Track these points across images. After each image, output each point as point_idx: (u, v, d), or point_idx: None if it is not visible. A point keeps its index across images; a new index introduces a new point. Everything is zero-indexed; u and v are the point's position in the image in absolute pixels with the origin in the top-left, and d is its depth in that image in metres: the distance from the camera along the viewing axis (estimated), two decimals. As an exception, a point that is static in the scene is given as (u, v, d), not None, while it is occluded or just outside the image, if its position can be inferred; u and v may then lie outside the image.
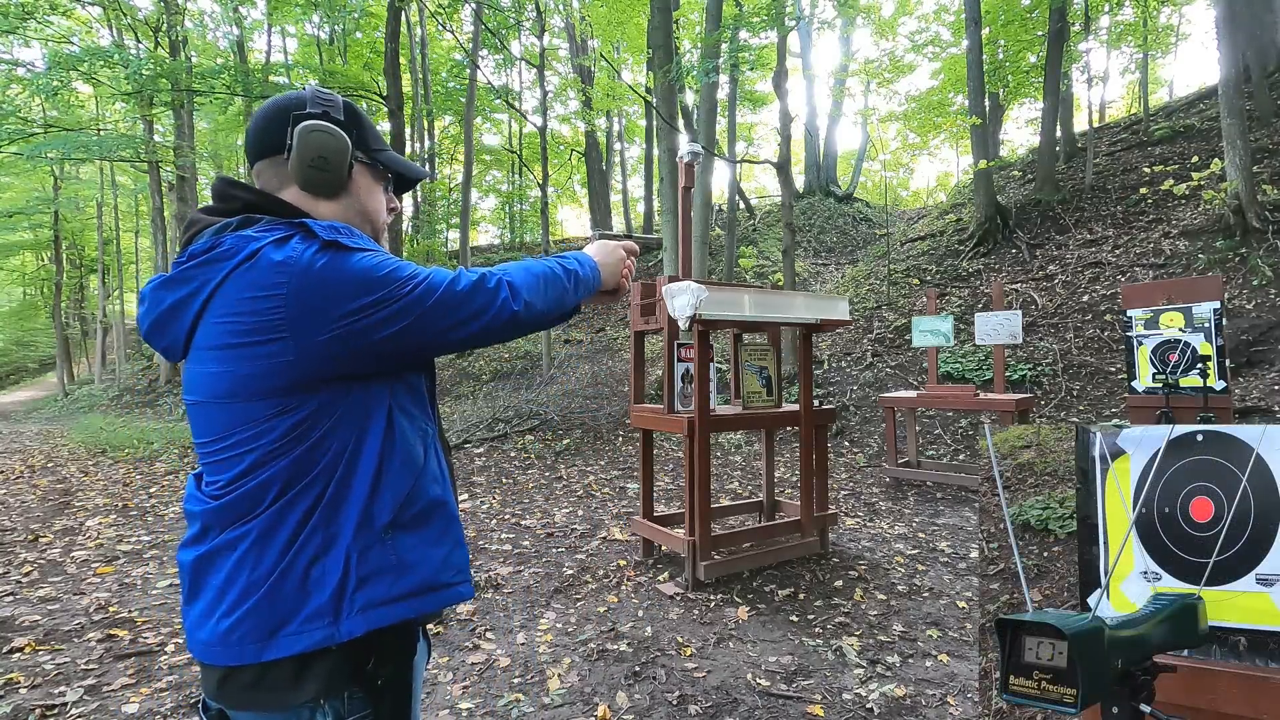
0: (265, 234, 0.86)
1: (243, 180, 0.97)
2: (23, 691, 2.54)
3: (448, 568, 0.96)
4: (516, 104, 18.64)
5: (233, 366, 0.84)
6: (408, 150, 15.28)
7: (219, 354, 0.84)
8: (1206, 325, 1.65)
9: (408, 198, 17.55)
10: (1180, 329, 1.69)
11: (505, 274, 0.98)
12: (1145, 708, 0.85)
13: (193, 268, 0.86)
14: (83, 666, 2.75)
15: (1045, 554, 1.63)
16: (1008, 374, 7.28)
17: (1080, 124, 13.69)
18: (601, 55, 15.51)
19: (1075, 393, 7.00)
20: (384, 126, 12.89)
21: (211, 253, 0.86)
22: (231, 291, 0.83)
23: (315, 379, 0.85)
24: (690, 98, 12.71)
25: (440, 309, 0.89)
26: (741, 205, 17.39)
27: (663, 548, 4.04)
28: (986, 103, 12.21)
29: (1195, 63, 44.47)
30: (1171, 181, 9.17)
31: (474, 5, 12.48)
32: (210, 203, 0.96)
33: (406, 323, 0.87)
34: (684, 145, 4.29)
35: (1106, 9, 12.68)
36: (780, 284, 10.84)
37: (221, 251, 0.85)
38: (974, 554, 3.94)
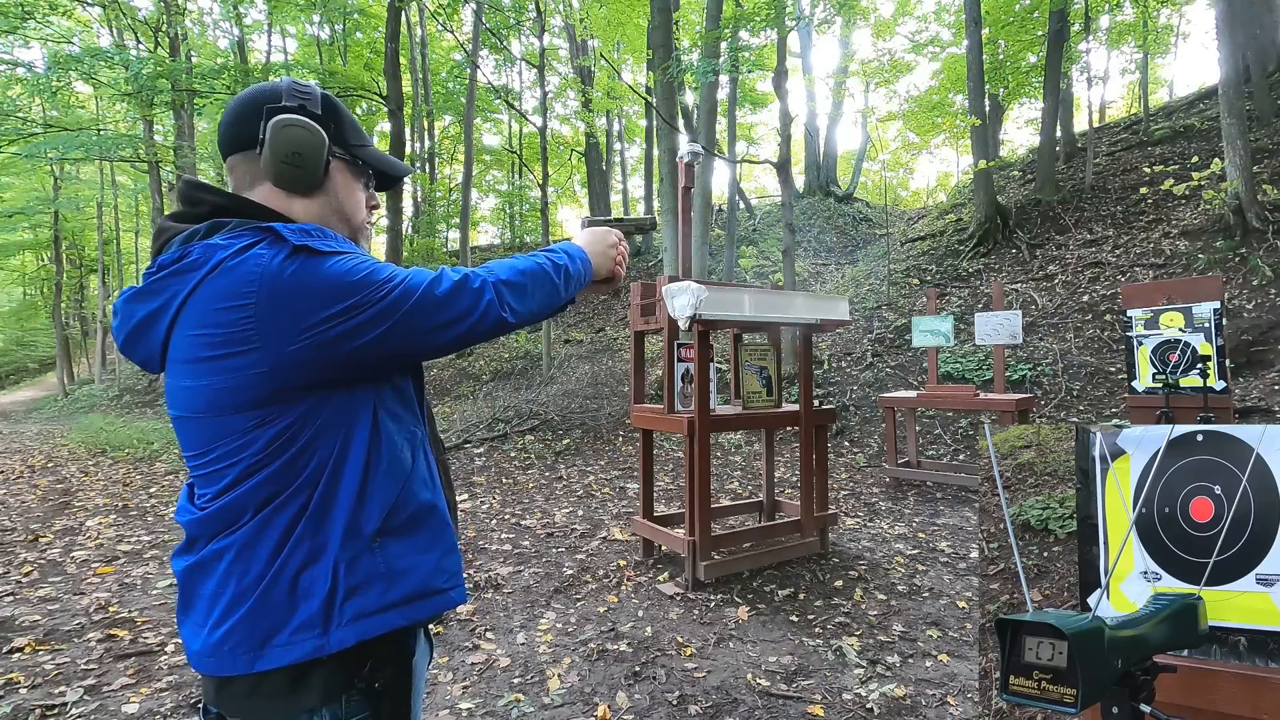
0: (232, 241, 0.83)
1: (210, 183, 0.94)
2: (23, 691, 2.54)
3: (440, 573, 0.94)
4: (516, 104, 18.65)
5: (208, 380, 0.82)
6: (407, 150, 15.27)
7: (193, 367, 0.82)
8: (1206, 325, 1.65)
9: (408, 198, 17.58)
10: (1180, 329, 1.69)
11: (490, 274, 0.94)
12: (1145, 708, 0.85)
13: (161, 279, 0.84)
14: (83, 666, 2.75)
15: (1045, 554, 1.63)
16: (1008, 374, 7.28)
17: (1080, 124, 13.69)
18: (601, 55, 15.50)
19: (1075, 393, 7.00)
20: (384, 127, 12.90)
21: (179, 263, 0.83)
22: (201, 303, 0.81)
23: (293, 389, 0.83)
24: (690, 98, 12.73)
25: (420, 313, 0.86)
26: (741, 205, 17.39)
27: (663, 548, 4.04)
28: (986, 103, 12.21)
29: (1195, 63, 44.45)
30: (1171, 181, 9.17)
31: (474, 5, 12.48)
32: (179, 208, 0.92)
33: (384, 328, 0.84)
34: (684, 145, 4.29)
35: (1106, 9, 12.68)
36: (780, 284, 10.84)
37: (189, 262, 0.83)
38: (974, 554, 3.94)
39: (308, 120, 0.92)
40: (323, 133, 0.93)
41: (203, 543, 0.86)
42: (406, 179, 1.13)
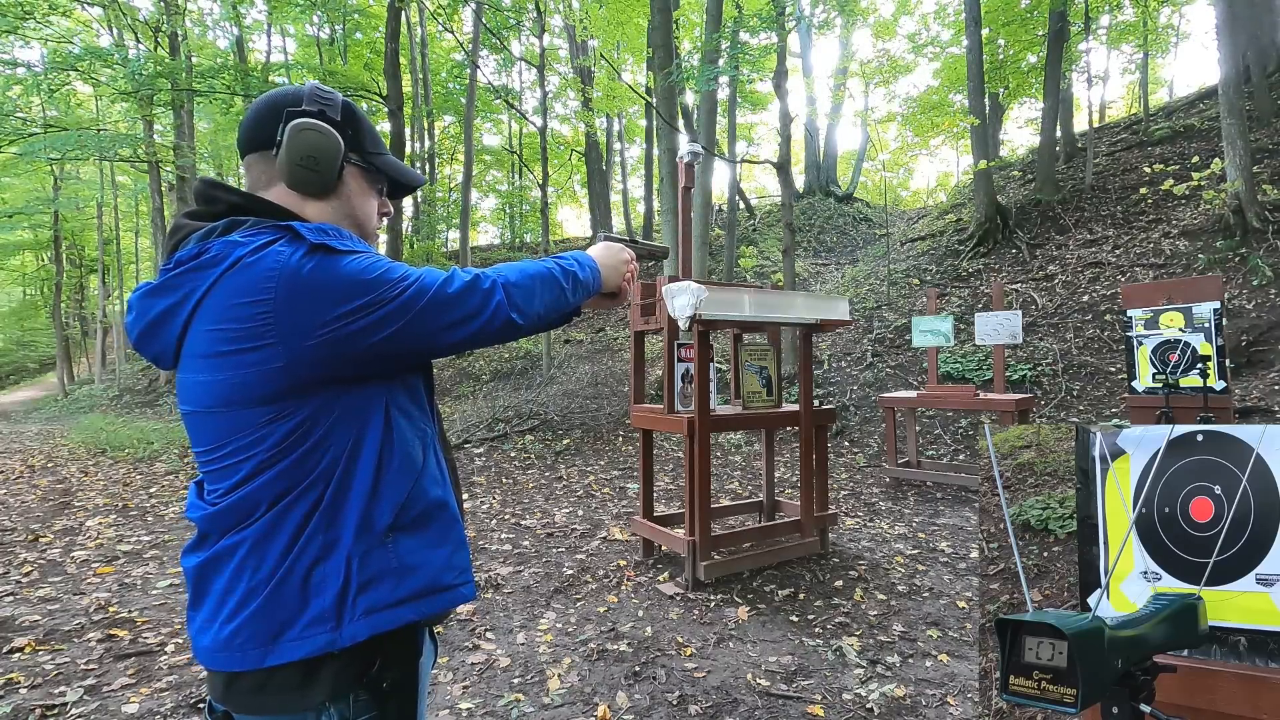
0: (252, 238, 0.84)
1: (224, 181, 0.95)
2: (23, 691, 2.54)
3: (450, 569, 0.95)
4: (516, 104, 18.65)
5: (223, 374, 0.83)
6: (407, 150, 15.27)
7: (209, 362, 0.83)
8: (1206, 325, 1.65)
9: (407, 198, 17.57)
10: (1180, 329, 1.69)
11: (500, 275, 0.96)
12: (1145, 708, 0.85)
13: (179, 275, 0.85)
14: (83, 666, 2.75)
15: (1045, 554, 1.63)
16: (1008, 374, 7.28)
17: (1080, 124, 13.69)
18: (601, 55, 15.51)
19: (1075, 393, 7.00)
20: (384, 127, 12.91)
21: (198, 259, 0.84)
22: (219, 298, 0.82)
23: (308, 384, 0.84)
24: (690, 98, 12.74)
25: (432, 311, 0.87)
26: (741, 205, 17.39)
27: (663, 548, 4.04)
28: (986, 103, 12.22)
29: (1195, 63, 44.48)
30: (1171, 181, 9.18)
31: (474, 5, 12.48)
32: (194, 206, 0.94)
33: (397, 326, 0.85)
34: (684, 145, 4.29)
35: (1106, 9, 12.68)
36: (780, 284, 10.84)
37: (208, 258, 0.84)
38: (974, 554, 3.94)
39: (325, 125, 0.93)
40: (339, 138, 0.95)
41: (215, 538, 0.87)
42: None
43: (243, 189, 0.96)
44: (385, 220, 1.08)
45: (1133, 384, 1.75)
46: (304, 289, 0.81)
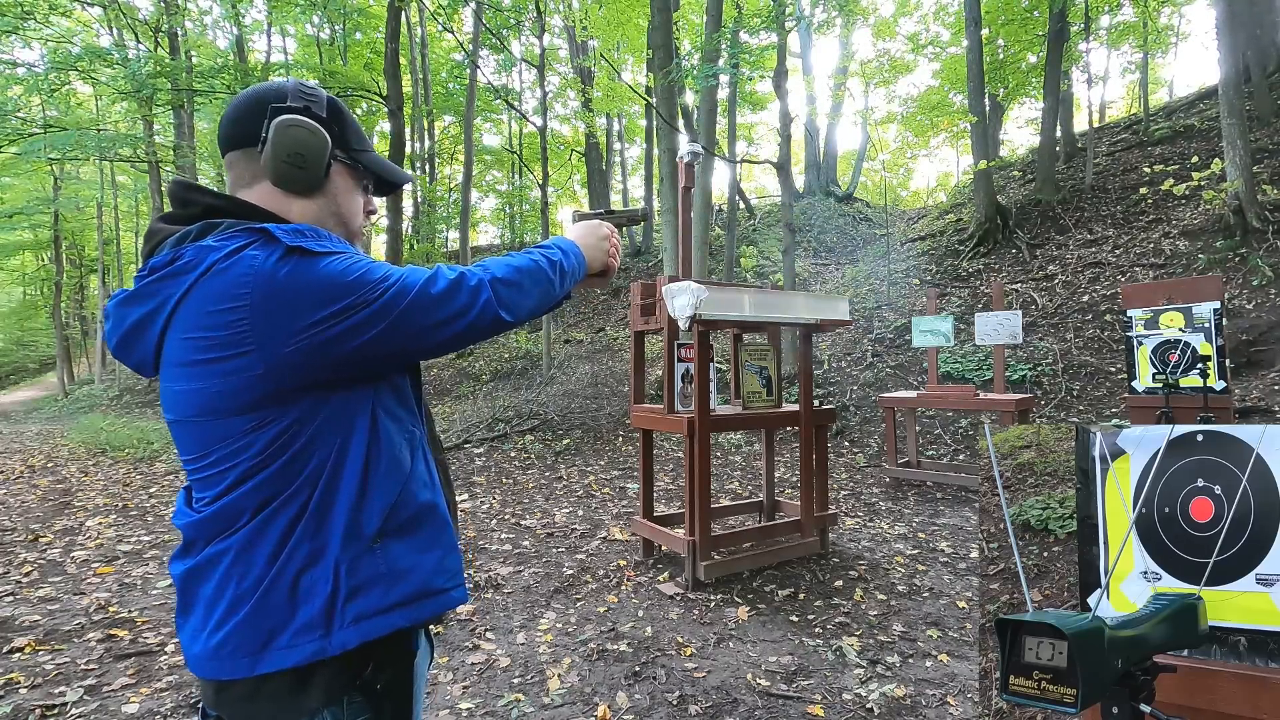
0: (225, 243, 0.82)
1: (201, 183, 0.93)
2: (23, 691, 2.54)
3: (440, 573, 0.94)
4: (516, 104, 18.65)
5: (203, 383, 0.81)
6: (408, 150, 15.27)
7: (188, 370, 0.82)
8: (1206, 325, 1.66)
9: (408, 198, 17.57)
10: (1180, 329, 1.69)
11: (486, 271, 0.93)
12: (1145, 708, 0.85)
13: (153, 282, 0.83)
14: (83, 666, 2.75)
15: (1045, 554, 1.63)
16: (1008, 374, 7.28)
17: (1080, 124, 13.70)
18: (601, 55, 15.52)
19: (1075, 393, 7.00)
20: (384, 127, 12.91)
21: (172, 266, 0.82)
22: (194, 306, 0.80)
23: (289, 390, 0.82)
24: (690, 98, 12.74)
25: (416, 312, 0.85)
26: (741, 205, 17.38)
27: (663, 548, 4.04)
28: (986, 103, 12.22)
29: (1195, 63, 44.52)
30: (1171, 181, 9.17)
31: (474, 5, 12.48)
32: (170, 210, 0.91)
33: (380, 328, 0.83)
34: (684, 145, 4.29)
35: (1106, 9, 12.68)
36: (780, 284, 10.83)
37: (181, 265, 0.81)
38: (974, 554, 3.94)
39: (312, 122, 0.91)
40: (326, 136, 0.92)
41: (200, 546, 0.86)
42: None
43: (222, 190, 0.94)
44: (370, 218, 1.06)
45: (1133, 384, 1.75)
46: (279, 293, 0.79)
